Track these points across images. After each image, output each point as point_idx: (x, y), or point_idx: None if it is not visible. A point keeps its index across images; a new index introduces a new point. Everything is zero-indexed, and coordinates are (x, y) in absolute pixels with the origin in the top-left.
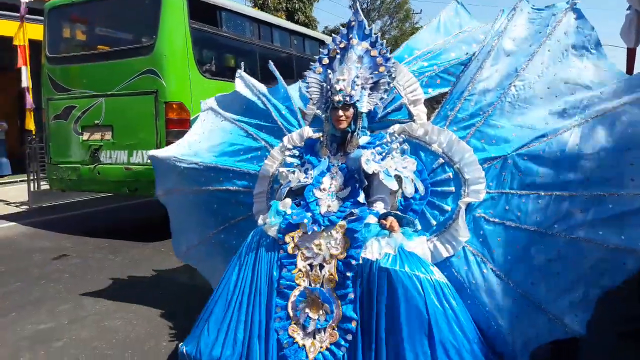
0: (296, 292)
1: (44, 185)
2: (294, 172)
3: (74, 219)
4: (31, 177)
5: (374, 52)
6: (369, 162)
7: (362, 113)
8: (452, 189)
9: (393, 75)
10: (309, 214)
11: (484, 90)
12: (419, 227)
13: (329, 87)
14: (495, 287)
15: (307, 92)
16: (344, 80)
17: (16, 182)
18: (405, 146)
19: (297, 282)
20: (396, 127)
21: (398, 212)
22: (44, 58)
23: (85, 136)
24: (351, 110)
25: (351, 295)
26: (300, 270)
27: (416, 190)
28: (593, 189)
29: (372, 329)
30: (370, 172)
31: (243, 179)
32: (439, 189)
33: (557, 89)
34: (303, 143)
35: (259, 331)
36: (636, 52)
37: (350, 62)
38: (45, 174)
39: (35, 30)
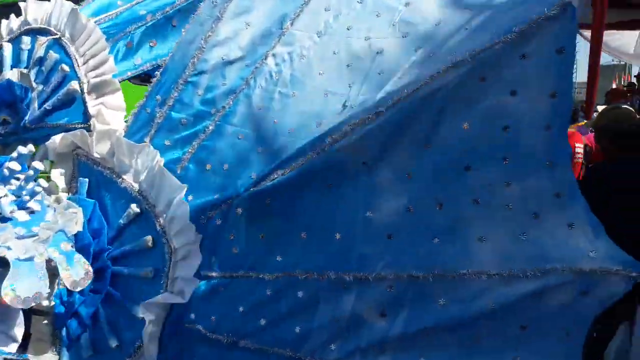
0: None
1: None
2: None
3: None
4: None
5: None
6: None
7: None
8: (150, 272)
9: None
10: None
11: (221, 64)
12: None
13: None
14: None
15: None
16: None
17: None
18: (42, 184)
19: None
20: (57, 140)
21: None
22: None
23: None
24: None
25: None
26: None
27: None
28: (395, 264)
29: None
30: None
31: None
32: (125, 271)
33: (352, 53)
34: None
35: None
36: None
37: None
38: None
39: None
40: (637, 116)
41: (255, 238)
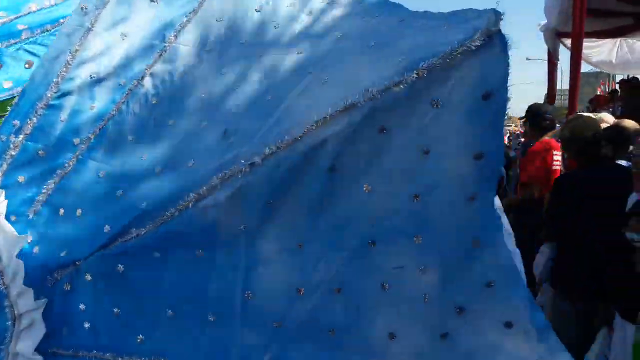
0: None
1: None
2: None
3: None
4: None
5: None
6: None
7: None
8: None
9: None
10: None
11: (89, 83)
12: None
13: None
14: None
15: None
16: None
17: None
18: None
19: None
20: None
21: None
22: None
23: None
24: None
25: None
26: None
27: None
28: None
29: None
30: None
31: None
32: None
33: (240, 75)
34: None
35: None
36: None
37: None
38: None
39: None
40: (602, 124)
41: (109, 312)
